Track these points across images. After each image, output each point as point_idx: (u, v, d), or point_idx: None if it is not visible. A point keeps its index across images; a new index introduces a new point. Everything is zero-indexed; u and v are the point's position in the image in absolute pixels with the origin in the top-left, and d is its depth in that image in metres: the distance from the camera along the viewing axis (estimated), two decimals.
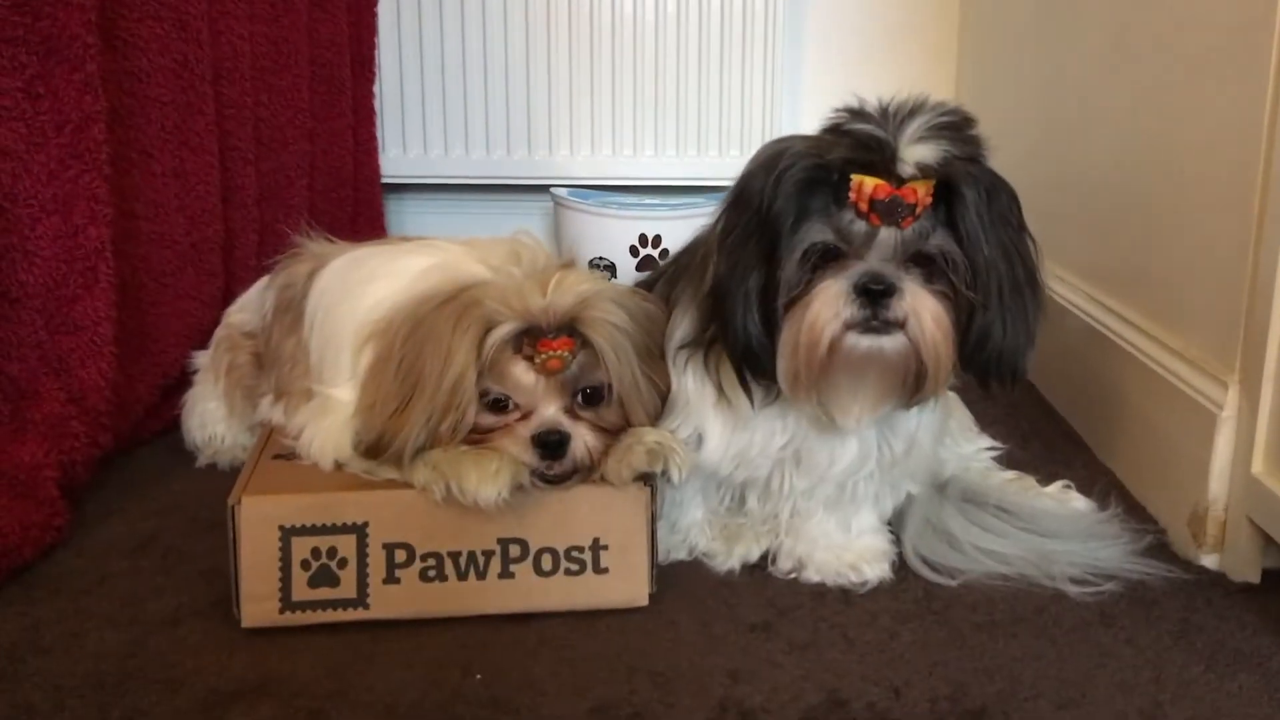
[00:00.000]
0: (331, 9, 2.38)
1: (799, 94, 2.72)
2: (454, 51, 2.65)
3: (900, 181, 1.01)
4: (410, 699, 1.00)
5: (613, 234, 2.46)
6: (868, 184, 1.01)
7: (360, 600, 1.12)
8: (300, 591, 1.11)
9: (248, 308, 1.57)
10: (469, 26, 2.63)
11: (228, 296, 1.87)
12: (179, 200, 1.77)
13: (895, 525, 1.28)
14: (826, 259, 1.05)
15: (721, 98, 2.68)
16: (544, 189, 2.63)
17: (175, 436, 1.63)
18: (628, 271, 2.42)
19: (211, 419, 1.56)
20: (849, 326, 1.04)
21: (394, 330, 1.17)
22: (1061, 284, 1.79)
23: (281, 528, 1.11)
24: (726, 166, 2.67)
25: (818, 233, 1.04)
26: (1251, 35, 1.21)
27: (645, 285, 1.33)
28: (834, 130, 1.05)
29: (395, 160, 2.71)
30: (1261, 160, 1.20)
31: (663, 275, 1.31)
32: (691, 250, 1.25)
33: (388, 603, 1.13)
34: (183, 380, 1.69)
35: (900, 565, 1.25)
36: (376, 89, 2.63)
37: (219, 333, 1.59)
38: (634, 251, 2.43)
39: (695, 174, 2.70)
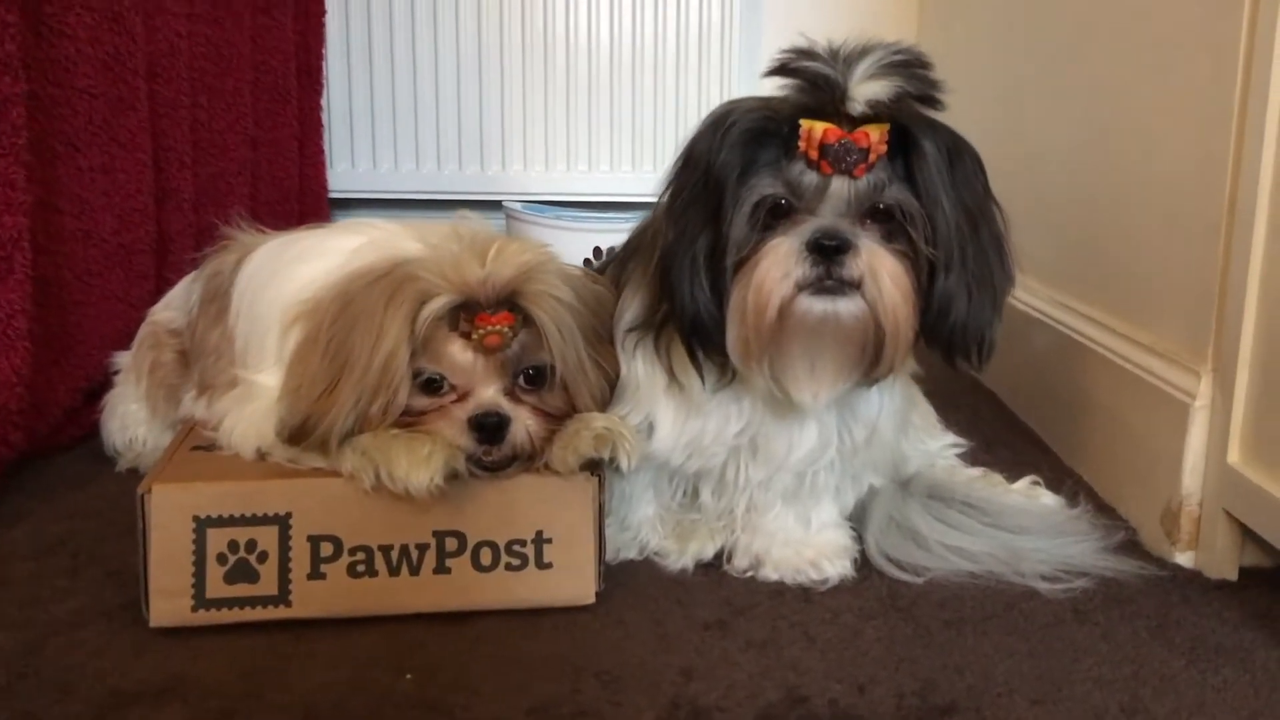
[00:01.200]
0: (278, 15, 2.32)
1: None
2: (404, 64, 2.60)
3: (853, 126, 0.95)
4: (332, 700, 0.92)
5: (568, 247, 2.39)
6: (817, 128, 0.95)
7: (282, 597, 1.03)
8: (215, 588, 1.02)
9: (173, 305, 1.48)
10: (420, 38, 2.58)
11: (158, 300, 1.78)
12: (107, 198, 1.68)
13: (857, 522, 1.21)
14: (777, 216, 0.98)
15: (677, 112, 2.64)
16: (496, 205, 2.57)
17: (97, 442, 1.53)
18: None
19: (133, 421, 1.47)
20: (801, 287, 0.96)
21: (323, 309, 1.10)
22: (1019, 288, 1.74)
23: (196, 518, 1.02)
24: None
25: (766, 186, 0.97)
26: (1220, 21, 1.18)
27: (597, 271, 1.26)
28: (781, 69, 0.98)
29: (343, 174, 2.65)
30: (1232, 145, 1.15)
31: (612, 259, 1.25)
32: (642, 230, 1.19)
33: (312, 600, 1.04)
34: (106, 384, 1.60)
35: (862, 563, 1.18)
36: (324, 101, 2.57)
37: (142, 330, 1.50)
38: (589, 265, 2.36)
39: (651, 190, 2.64)
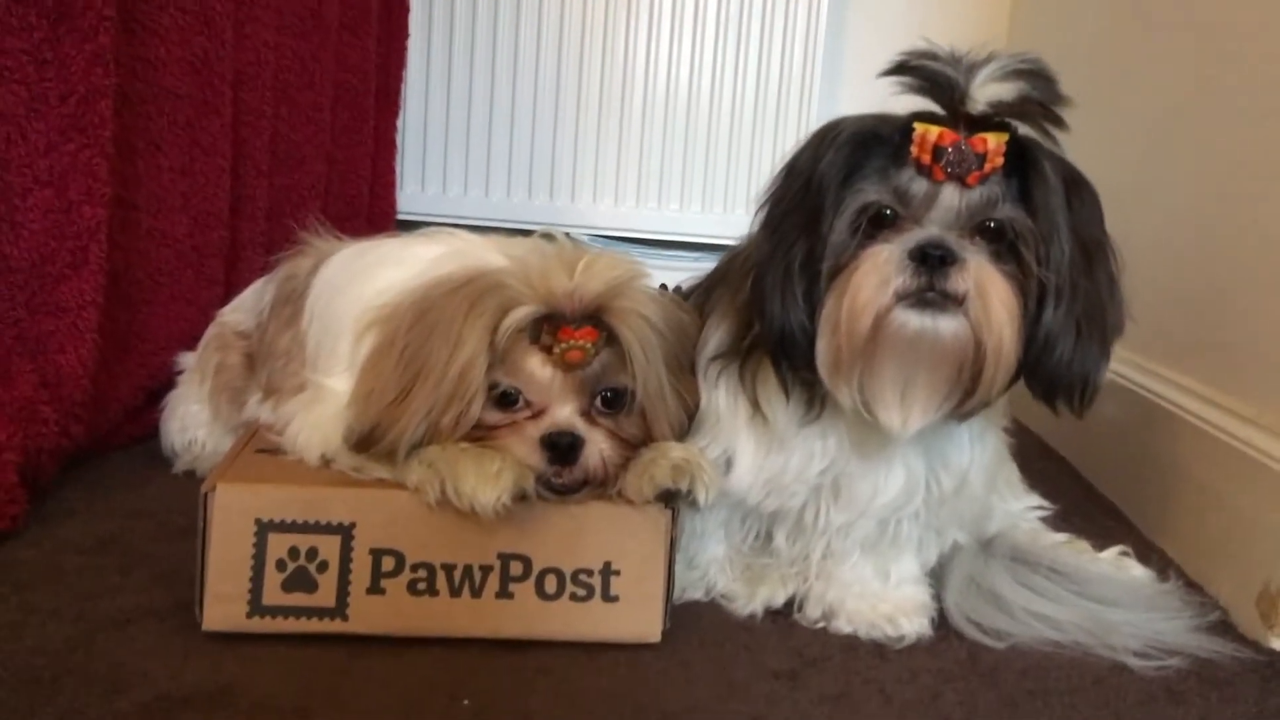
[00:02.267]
0: (362, 34, 2.32)
1: None
2: (481, 90, 2.59)
3: (970, 131, 0.91)
4: None
5: None
6: (932, 130, 0.91)
7: (339, 610, 0.99)
8: (272, 595, 0.99)
9: (243, 307, 1.47)
10: (499, 65, 2.58)
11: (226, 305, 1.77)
12: (184, 199, 1.68)
13: (935, 580, 1.15)
14: (879, 225, 0.93)
15: (752, 155, 2.62)
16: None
17: (155, 443, 1.51)
18: None
19: (193, 422, 1.44)
20: (900, 298, 0.91)
21: (400, 315, 1.07)
22: None
23: (259, 521, 0.98)
24: (746, 223, 2.59)
25: (871, 192, 0.93)
26: None
27: (682, 297, 1.23)
28: (900, 68, 0.94)
29: (412, 197, 2.65)
30: None
31: (697, 287, 1.21)
32: (729, 259, 1.15)
33: (369, 616, 1.00)
34: (169, 386, 1.58)
35: (940, 622, 1.12)
36: (400, 122, 2.57)
37: (210, 331, 1.48)
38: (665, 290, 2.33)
39: (720, 231, 2.61)
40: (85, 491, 1.35)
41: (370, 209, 2.47)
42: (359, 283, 1.15)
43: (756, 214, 1.04)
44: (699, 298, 1.16)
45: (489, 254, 1.10)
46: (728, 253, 1.17)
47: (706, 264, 2.34)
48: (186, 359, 1.50)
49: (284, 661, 0.96)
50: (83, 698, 0.87)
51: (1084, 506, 1.55)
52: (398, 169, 2.60)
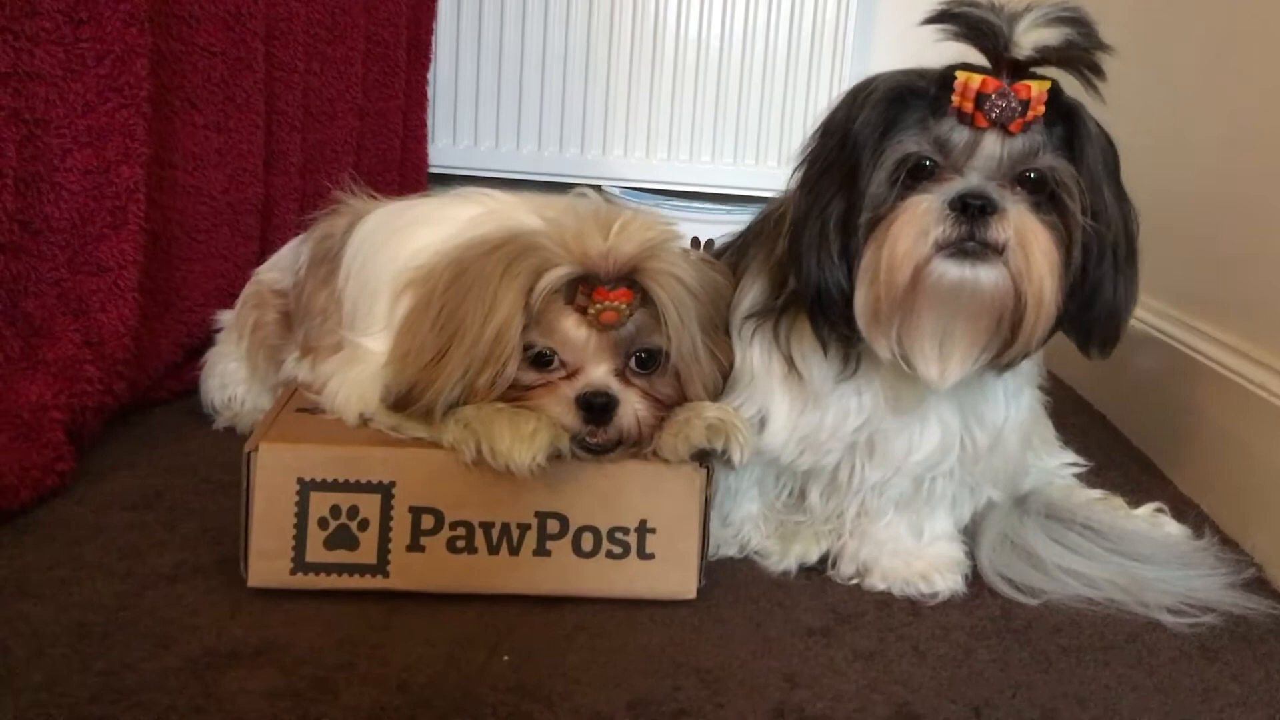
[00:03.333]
0: None
1: None
2: (513, 43, 2.58)
3: (1012, 80, 0.90)
4: (427, 676, 0.89)
5: None
6: (975, 78, 0.90)
7: (380, 567, 1.01)
8: (315, 552, 1.00)
9: (279, 265, 1.47)
10: (530, 19, 2.57)
11: (262, 262, 1.78)
12: (219, 156, 1.69)
13: (968, 537, 1.16)
14: (918, 177, 0.93)
15: (784, 107, 2.59)
16: (594, 189, 2.54)
17: (195, 399, 1.53)
18: None
19: (232, 380, 1.46)
20: (940, 248, 0.91)
21: (436, 276, 1.07)
22: (1139, 307, 1.67)
23: (300, 480, 1.00)
24: (785, 178, 2.57)
25: (911, 143, 0.92)
26: None
27: (714, 255, 1.23)
28: (941, 16, 0.93)
29: (444, 150, 2.65)
30: None
31: (730, 246, 1.21)
32: (763, 217, 1.15)
33: (409, 572, 1.02)
34: (207, 342, 1.60)
35: (973, 579, 1.12)
36: (431, 75, 2.56)
37: (247, 289, 1.50)
38: (695, 245, 2.33)
39: (751, 184, 2.60)
40: (128, 448, 1.37)
41: (402, 162, 2.48)
42: (395, 243, 1.16)
43: (792, 174, 1.03)
44: (732, 256, 1.16)
45: (524, 215, 1.10)
46: (761, 211, 1.17)
47: (737, 216, 2.34)
48: (224, 317, 1.52)
49: (326, 617, 0.98)
50: (132, 652, 0.90)
51: (1119, 461, 1.54)
52: (429, 122, 2.59)
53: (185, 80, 1.60)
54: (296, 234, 1.89)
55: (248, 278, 1.68)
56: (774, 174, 2.58)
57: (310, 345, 1.29)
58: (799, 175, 1.02)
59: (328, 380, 1.14)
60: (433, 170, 2.61)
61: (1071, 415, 1.71)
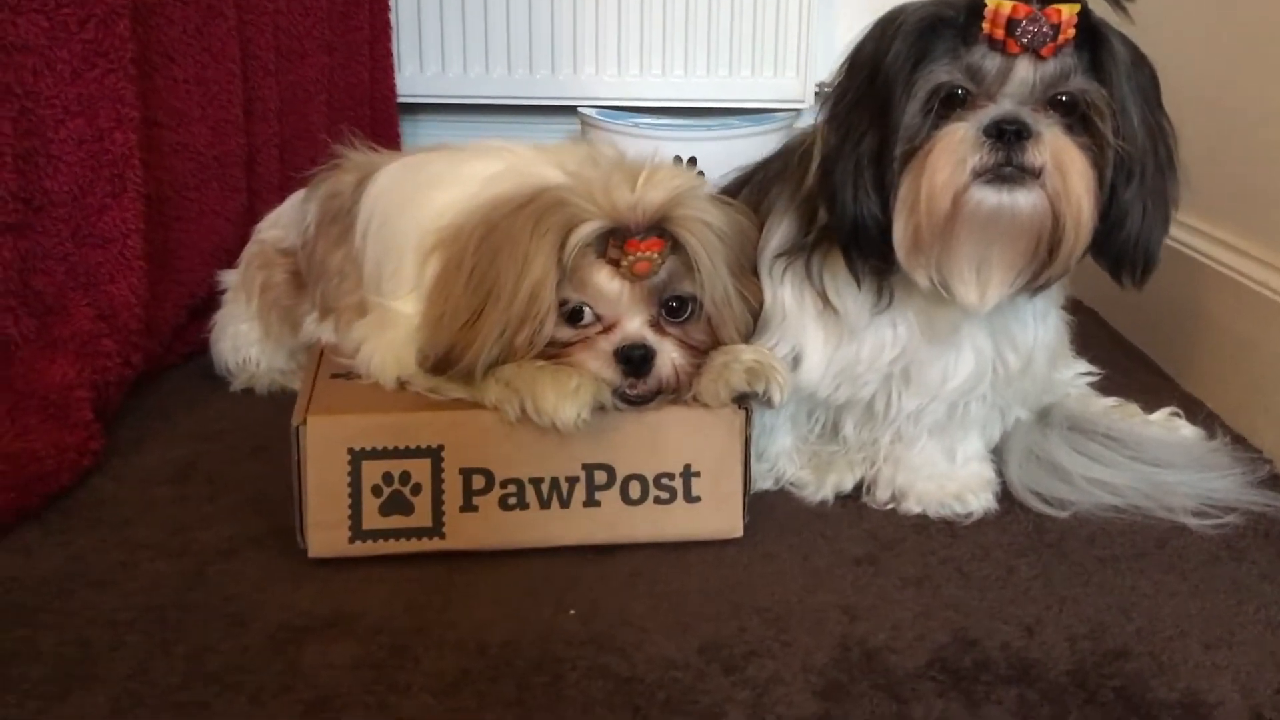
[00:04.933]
0: None
1: (834, 11, 2.59)
2: None
3: (1042, 4, 0.91)
4: (502, 637, 0.92)
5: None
6: (1005, 4, 0.91)
7: (435, 529, 1.03)
8: (371, 520, 1.02)
9: (281, 223, 1.46)
10: None
11: (250, 213, 1.76)
12: (201, 109, 1.65)
13: (995, 454, 1.19)
14: (951, 106, 0.94)
15: (755, 15, 2.55)
16: (567, 110, 2.51)
17: (203, 359, 1.53)
18: None
19: (245, 341, 1.46)
20: (977, 174, 0.92)
21: (465, 237, 1.07)
22: None
23: (351, 450, 1.01)
24: (759, 88, 2.55)
25: (943, 73, 0.93)
26: None
27: (726, 193, 1.23)
28: None
29: (411, 78, 2.59)
30: None
31: (746, 183, 1.21)
32: (785, 154, 1.15)
33: (464, 532, 1.04)
34: (209, 301, 1.59)
35: (1003, 496, 1.16)
36: (393, 2, 2.50)
37: (250, 249, 1.48)
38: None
39: (725, 96, 2.58)
40: (149, 417, 1.37)
41: (371, 95, 2.43)
42: (416, 204, 1.15)
43: (819, 109, 1.04)
44: (752, 195, 1.17)
45: (544, 169, 1.10)
46: (778, 150, 1.17)
47: (717, 132, 2.32)
48: (228, 277, 1.50)
49: (389, 582, 1.00)
50: (211, 634, 0.91)
51: (1120, 361, 1.57)
52: (395, 51, 2.54)
53: (161, 34, 1.56)
54: (278, 182, 1.88)
55: (240, 233, 1.67)
56: (748, 84, 2.56)
57: (330, 306, 1.29)
58: (827, 110, 1.02)
59: (360, 344, 1.14)
60: (401, 100, 2.56)
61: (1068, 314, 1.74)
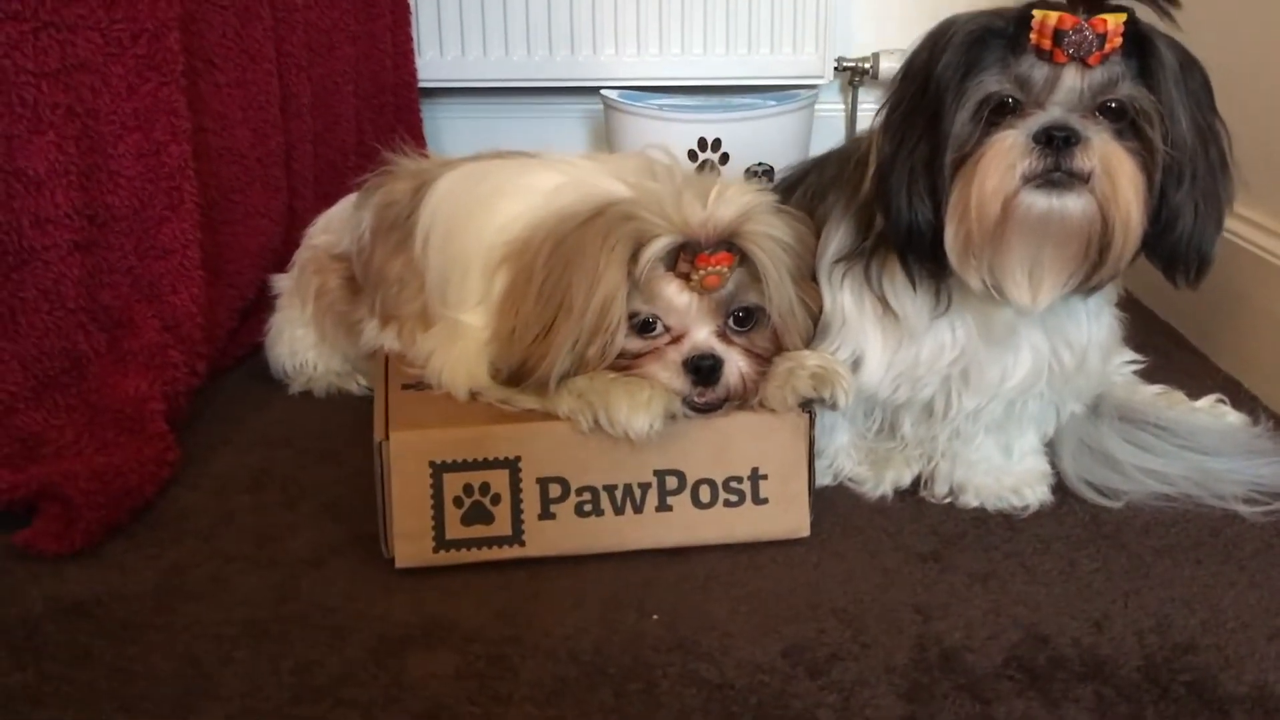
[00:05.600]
0: None
1: None
2: None
3: (1088, 14, 0.93)
4: (591, 643, 0.95)
5: (670, 138, 2.34)
6: (1051, 15, 0.93)
7: (515, 537, 1.07)
8: (454, 529, 1.06)
9: (332, 228, 1.49)
10: None
11: (291, 212, 1.79)
12: (243, 112, 1.68)
13: (1049, 448, 1.23)
14: (1001, 114, 0.97)
15: None
16: (588, 91, 2.53)
17: (256, 361, 1.56)
18: None
19: (301, 346, 1.49)
20: (1027, 179, 0.95)
21: (533, 250, 1.10)
22: None
23: (432, 463, 1.05)
24: (777, 64, 2.56)
25: (993, 83, 0.96)
26: None
27: (779, 193, 1.25)
28: None
29: (431, 63, 2.59)
30: None
31: (800, 182, 1.24)
32: (840, 160, 1.18)
33: (543, 539, 1.07)
34: (259, 302, 1.62)
35: (1057, 488, 1.20)
36: None
37: (302, 254, 1.51)
38: (693, 156, 2.34)
39: (744, 73, 2.58)
40: (217, 423, 1.40)
41: (394, 81, 2.45)
42: (479, 216, 1.18)
43: (875, 117, 1.06)
44: (807, 200, 1.19)
45: (607, 181, 1.13)
46: (830, 155, 1.21)
47: (739, 114, 2.33)
48: (281, 281, 1.53)
49: (475, 590, 1.04)
50: (313, 647, 0.95)
51: (1156, 342, 1.59)
52: (414, 36, 2.55)
53: (203, 40, 1.58)
54: (314, 176, 1.91)
55: (283, 232, 1.70)
56: (766, 61, 2.56)
57: (390, 314, 1.31)
58: (882, 118, 1.04)
59: (429, 356, 1.17)
60: (423, 84, 2.57)
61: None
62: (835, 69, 2.56)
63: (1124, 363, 1.36)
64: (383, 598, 1.02)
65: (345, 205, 1.48)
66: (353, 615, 1.00)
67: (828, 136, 2.55)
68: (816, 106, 2.47)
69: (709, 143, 2.34)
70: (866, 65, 2.54)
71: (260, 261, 1.67)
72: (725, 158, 2.34)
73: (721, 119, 2.37)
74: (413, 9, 2.52)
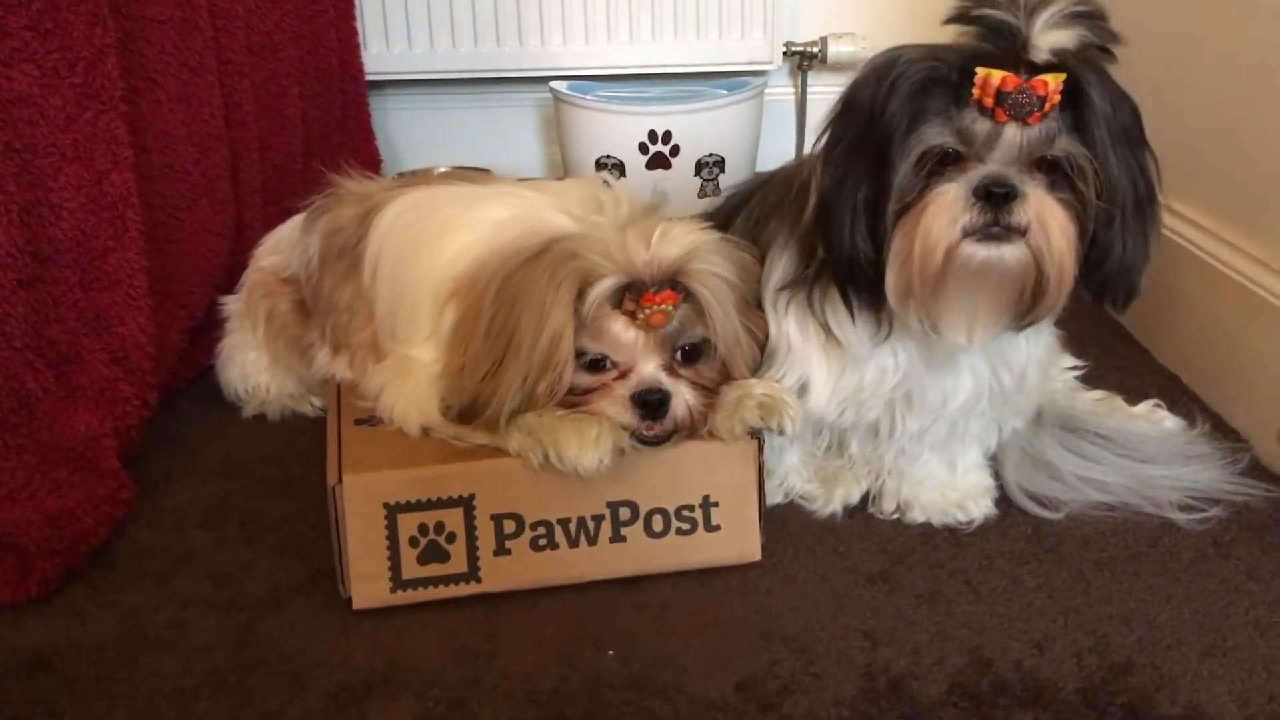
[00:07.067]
0: None
1: None
2: None
3: (1029, 75, 0.95)
4: (550, 685, 0.98)
5: (620, 131, 2.36)
6: (995, 75, 0.95)
7: (472, 574, 1.08)
8: (410, 569, 1.07)
9: (280, 249, 1.48)
10: None
11: (239, 225, 1.78)
12: (186, 127, 1.66)
13: (993, 459, 1.26)
14: (944, 164, 0.99)
15: None
16: (537, 81, 2.52)
17: (207, 383, 1.56)
18: (637, 170, 2.32)
19: (254, 369, 1.49)
20: (967, 233, 0.98)
21: (481, 286, 1.11)
22: None
23: (386, 505, 1.06)
24: (726, 50, 2.56)
25: (935, 135, 0.98)
26: None
27: (721, 214, 1.27)
28: (960, 17, 0.98)
29: (378, 56, 2.57)
30: None
31: (743, 205, 1.25)
32: (783, 185, 1.19)
33: (500, 575, 1.09)
34: (208, 321, 1.61)
35: (1001, 499, 1.23)
36: None
37: (251, 277, 1.50)
38: (643, 149, 2.34)
39: (693, 60, 2.58)
40: (170, 452, 1.40)
41: (341, 77, 2.42)
42: (428, 250, 1.18)
43: (815, 143, 1.07)
44: (749, 229, 1.21)
45: (553, 215, 1.14)
46: (769, 180, 1.22)
47: (689, 105, 2.32)
48: (231, 304, 1.52)
49: (433, 629, 1.05)
50: (275, 698, 0.96)
51: (1097, 334, 1.63)
52: (360, 29, 2.52)
53: (142, 59, 1.56)
54: (262, 184, 1.89)
55: (232, 248, 1.69)
56: (716, 47, 2.56)
57: (341, 342, 1.32)
58: (823, 147, 1.06)
59: (380, 391, 1.18)
60: (370, 78, 2.55)
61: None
62: (784, 54, 2.56)
63: (1064, 369, 1.39)
64: (342, 641, 1.04)
65: (293, 225, 1.47)
66: (312, 661, 1.01)
67: (778, 121, 2.55)
68: (766, 92, 2.47)
69: (659, 135, 2.34)
70: (815, 50, 2.54)
71: (210, 279, 1.66)
72: (676, 150, 2.34)
73: (671, 110, 2.37)
74: (358, 2, 2.50)
